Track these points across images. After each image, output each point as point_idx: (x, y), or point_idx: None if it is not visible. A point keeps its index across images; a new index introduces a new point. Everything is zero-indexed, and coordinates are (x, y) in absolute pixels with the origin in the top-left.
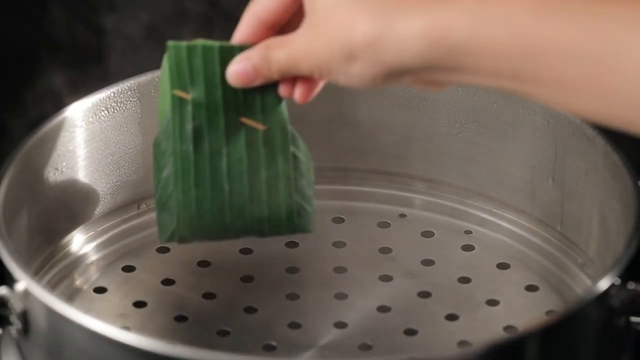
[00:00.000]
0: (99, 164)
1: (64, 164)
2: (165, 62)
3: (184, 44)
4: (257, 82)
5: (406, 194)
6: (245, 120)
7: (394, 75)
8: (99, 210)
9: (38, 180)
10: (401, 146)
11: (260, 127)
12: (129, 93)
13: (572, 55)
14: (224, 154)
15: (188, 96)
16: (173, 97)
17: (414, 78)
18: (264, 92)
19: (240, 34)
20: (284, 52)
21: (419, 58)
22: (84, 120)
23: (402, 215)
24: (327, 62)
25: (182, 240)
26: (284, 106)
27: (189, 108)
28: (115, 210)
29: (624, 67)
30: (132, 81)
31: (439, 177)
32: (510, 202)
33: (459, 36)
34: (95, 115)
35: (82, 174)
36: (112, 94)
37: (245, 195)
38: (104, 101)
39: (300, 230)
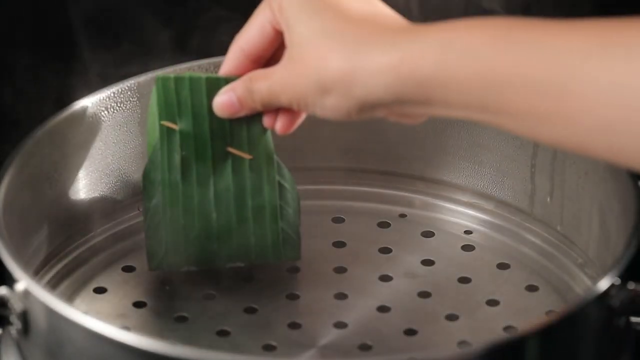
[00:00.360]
0: (99, 164)
1: (65, 163)
2: (154, 94)
3: (171, 75)
4: (242, 113)
5: (406, 194)
6: (231, 150)
7: (367, 108)
8: (98, 210)
9: (38, 180)
10: (401, 146)
11: (246, 156)
12: (128, 93)
13: (534, 86)
14: (212, 183)
15: (176, 127)
16: (161, 127)
17: (388, 111)
18: (250, 123)
19: (226, 66)
20: (265, 84)
21: (389, 92)
22: (84, 120)
23: (402, 215)
24: (303, 95)
25: (170, 267)
26: (269, 136)
27: (177, 138)
28: (115, 210)
29: (582, 97)
30: (132, 81)
31: (439, 177)
32: (510, 202)
33: (426, 71)
34: (95, 115)
35: (82, 174)
36: (112, 94)
37: (232, 224)
38: (104, 101)
39: (286, 258)
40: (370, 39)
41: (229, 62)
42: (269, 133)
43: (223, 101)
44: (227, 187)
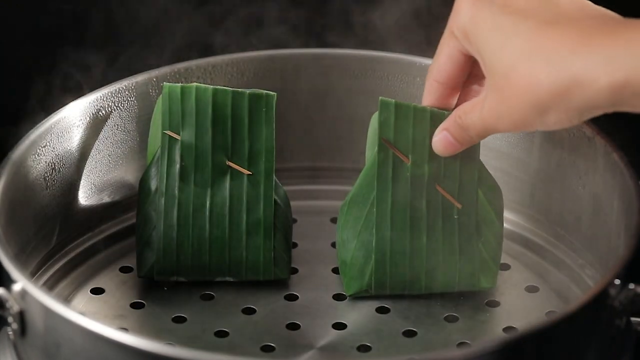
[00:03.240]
0: (97, 163)
1: (62, 163)
2: (159, 102)
3: (178, 85)
4: (462, 149)
5: None
6: (231, 164)
7: (587, 114)
8: (96, 210)
9: (36, 180)
10: None
11: (245, 172)
12: (126, 93)
13: None
14: (208, 195)
15: (178, 137)
16: (164, 136)
17: (606, 111)
18: (252, 139)
19: (427, 101)
20: (476, 118)
21: (605, 101)
22: (81, 119)
23: None
24: (522, 120)
25: (160, 276)
26: (272, 155)
27: (178, 148)
28: (113, 211)
29: None
30: (130, 81)
31: None
32: (510, 202)
33: None
34: (93, 114)
35: (80, 174)
36: (109, 94)
37: (226, 238)
38: (101, 101)
39: (276, 276)
40: (577, 49)
41: (429, 97)
42: (273, 152)
43: (440, 141)
44: (223, 201)
